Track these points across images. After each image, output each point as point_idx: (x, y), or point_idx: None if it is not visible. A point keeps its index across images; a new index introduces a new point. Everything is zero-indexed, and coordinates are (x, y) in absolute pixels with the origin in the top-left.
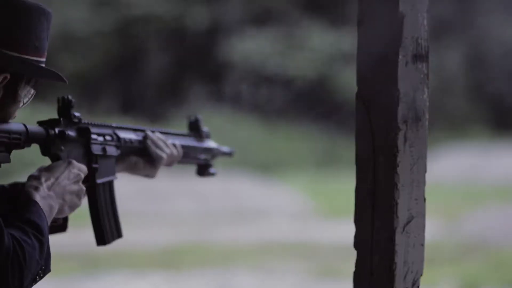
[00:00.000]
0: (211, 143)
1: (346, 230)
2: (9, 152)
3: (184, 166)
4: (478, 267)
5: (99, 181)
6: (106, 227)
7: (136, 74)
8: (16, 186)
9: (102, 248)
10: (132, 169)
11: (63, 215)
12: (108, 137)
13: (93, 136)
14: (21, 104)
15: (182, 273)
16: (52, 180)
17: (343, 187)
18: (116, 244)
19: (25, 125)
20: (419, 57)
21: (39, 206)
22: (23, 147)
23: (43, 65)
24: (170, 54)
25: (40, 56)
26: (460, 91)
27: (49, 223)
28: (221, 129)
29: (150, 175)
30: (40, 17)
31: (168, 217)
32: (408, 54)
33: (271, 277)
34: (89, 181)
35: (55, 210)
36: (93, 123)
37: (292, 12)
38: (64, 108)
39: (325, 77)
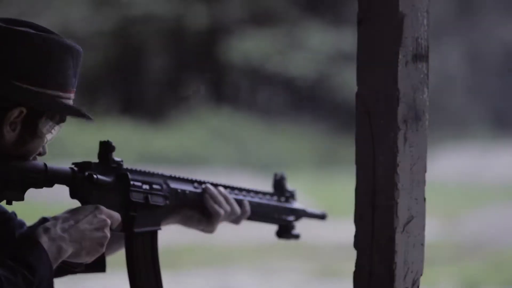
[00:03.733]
0: (294, 204)
1: (346, 230)
2: (24, 191)
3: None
4: (478, 267)
5: (137, 230)
6: (142, 279)
7: (136, 74)
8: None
9: None
10: (186, 222)
11: (80, 260)
12: (156, 186)
13: (135, 183)
14: (45, 141)
15: (182, 273)
16: (70, 222)
17: (343, 187)
18: None
19: (45, 165)
20: (419, 57)
21: (42, 248)
22: (41, 187)
23: (70, 102)
24: (170, 54)
25: (64, 92)
26: (460, 91)
27: (54, 266)
28: (221, 129)
29: (207, 230)
30: (64, 53)
31: None
32: (408, 54)
33: (271, 277)
34: (125, 229)
35: (67, 253)
36: (138, 170)
37: (292, 12)
38: (102, 152)
39: (325, 77)
